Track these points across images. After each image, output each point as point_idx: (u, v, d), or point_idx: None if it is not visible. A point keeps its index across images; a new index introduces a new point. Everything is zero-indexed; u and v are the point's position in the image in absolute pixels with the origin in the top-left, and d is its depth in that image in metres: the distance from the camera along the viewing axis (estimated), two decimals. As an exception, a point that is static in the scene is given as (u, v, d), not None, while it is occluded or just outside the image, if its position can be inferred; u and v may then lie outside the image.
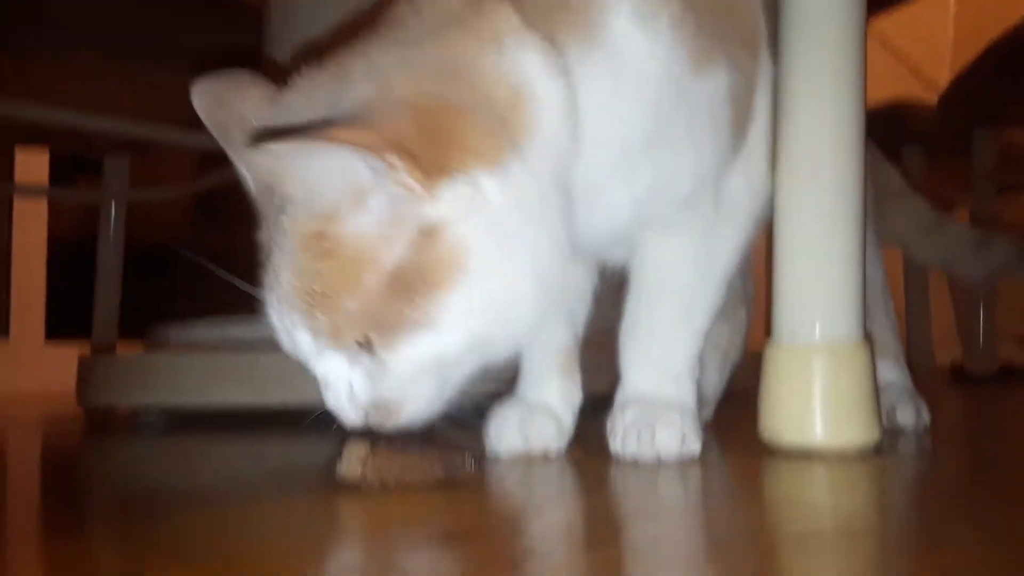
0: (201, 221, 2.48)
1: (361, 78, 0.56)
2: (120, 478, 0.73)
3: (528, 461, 0.68)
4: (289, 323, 0.56)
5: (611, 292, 0.73)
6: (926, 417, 0.87)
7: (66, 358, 1.96)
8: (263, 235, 0.59)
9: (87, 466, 0.83)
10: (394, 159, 0.52)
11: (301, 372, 1.01)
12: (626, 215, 0.65)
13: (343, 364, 0.56)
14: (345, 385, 0.57)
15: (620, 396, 0.69)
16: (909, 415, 0.87)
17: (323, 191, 0.54)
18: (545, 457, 0.69)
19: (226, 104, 0.60)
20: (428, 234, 0.54)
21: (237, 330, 1.10)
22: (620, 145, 0.62)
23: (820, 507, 0.52)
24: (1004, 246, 1.14)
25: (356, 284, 0.54)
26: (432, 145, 0.53)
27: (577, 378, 0.73)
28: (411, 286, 0.54)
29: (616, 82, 0.61)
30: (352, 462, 0.57)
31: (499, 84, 0.56)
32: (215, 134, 0.60)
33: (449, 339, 0.55)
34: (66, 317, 2.21)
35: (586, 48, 0.60)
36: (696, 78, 0.63)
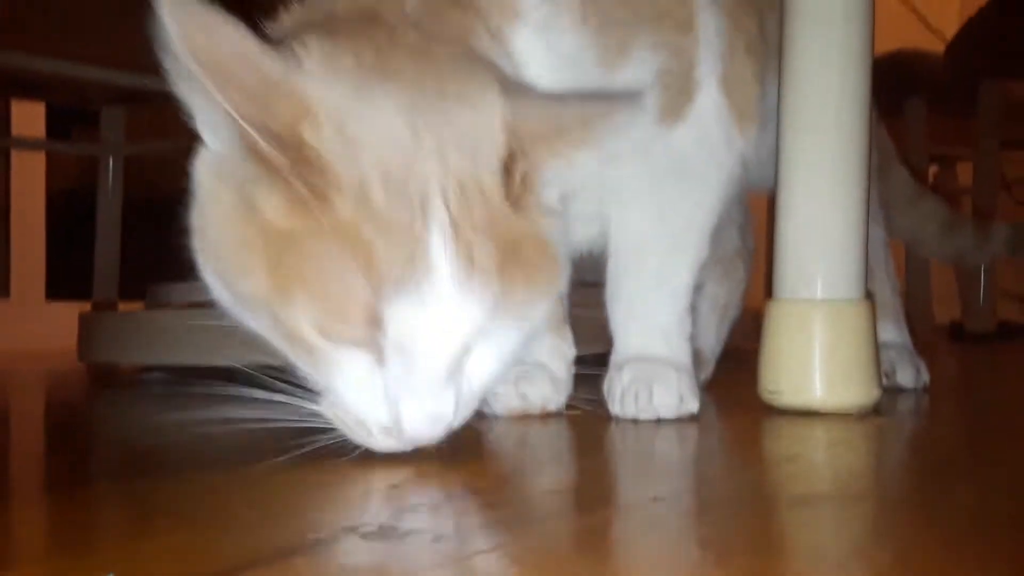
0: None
1: None
2: (123, 435, 0.73)
3: (526, 420, 0.68)
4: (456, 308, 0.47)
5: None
6: (925, 376, 0.87)
7: (67, 316, 1.97)
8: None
9: (90, 423, 0.83)
10: None
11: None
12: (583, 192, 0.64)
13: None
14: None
15: (615, 357, 0.70)
16: (908, 375, 0.87)
17: None
18: (544, 414, 0.69)
19: (214, 34, 0.45)
20: None
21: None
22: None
23: (820, 467, 0.53)
24: (1003, 231, 1.17)
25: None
26: None
27: (568, 335, 0.73)
28: None
29: (549, 45, 0.60)
30: None
31: None
32: (202, 67, 0.45)
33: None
34: (66, 276, 2.21)
35: (502, 57, 0.57)
36: (610, 74, 0.62)
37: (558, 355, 0.72)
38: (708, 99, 0.68)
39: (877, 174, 0.84)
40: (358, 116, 0.47)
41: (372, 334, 0.47)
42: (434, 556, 0.34)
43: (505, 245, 0.48)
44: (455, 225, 0.47)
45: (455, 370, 0.49)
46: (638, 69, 0.64)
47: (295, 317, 0.47)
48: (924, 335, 0.92)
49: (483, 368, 0.50)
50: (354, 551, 0.34)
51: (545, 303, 0.51)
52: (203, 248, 0.50)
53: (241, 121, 0.45)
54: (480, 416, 0.62)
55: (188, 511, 0.42)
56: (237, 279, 0.48)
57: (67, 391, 1.12)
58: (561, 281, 0.53)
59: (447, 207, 0.47)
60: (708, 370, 0.88)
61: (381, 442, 0.50)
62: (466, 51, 0.55)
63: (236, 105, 0.45)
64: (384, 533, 0.36)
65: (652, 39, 0.64)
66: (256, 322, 0.50)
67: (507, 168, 0.49)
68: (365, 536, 0.36)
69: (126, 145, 1.83)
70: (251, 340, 1.02)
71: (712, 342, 0.89)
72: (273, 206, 0.46)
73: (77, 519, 0.41)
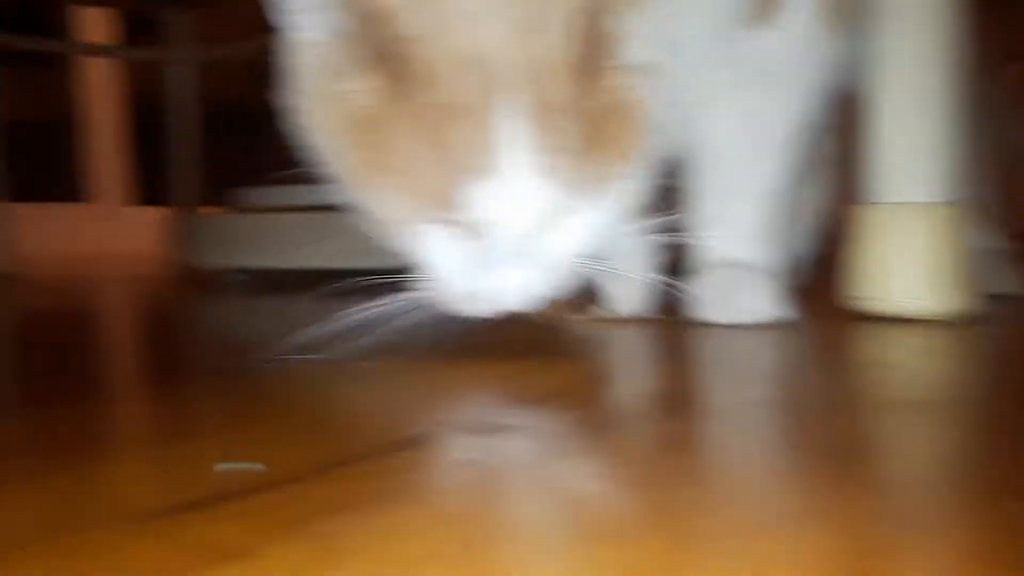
0: (268, 79, 2.46)
1: None
2: (216, 334, 0.76)
3: (616, 325, 0.69)
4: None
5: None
6: (1018, 284, 0.85)
7: (148, 220, 2.01)
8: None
9: (180, 323, 0.86)
10: None
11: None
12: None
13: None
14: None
15: (702, 262, 0.70)
16: (1005, 281, 0.85)
17: None
18: (630, 319, 0.70)
19: None
20: None
21: (311, 193, 1.11)
22: None
23: (912, 373, 0.52)
24: None
25: None
26: None
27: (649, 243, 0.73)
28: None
29: None
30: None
31: None
32: None
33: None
34: (145, 181, 2.25)
35: None
36: None
37: (645, 263, 0.72)
38: (800, 3, 0.66)
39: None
40: None
41: (453, 213, 0.48)
42: (532, 452, 0.35)
43: (580, 118, 0.47)
44: (523, 106, 0.46)
45: (535, 244, 0.49)
46: None
47: (383, 197, 0.48)
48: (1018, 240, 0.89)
49: (566, 243, 0.51)
50: (455, 446, 0.35)
51: (628, 174, 0.50)
52: (304, 129, 0.52)
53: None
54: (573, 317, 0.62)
55: (289, 405, 0.44)
56: (333, 161, 0.50)
57: (155, 293, 1.16)
58: (644, 148, 0.51)
59: (514, 87, 0.46)
60: (799, 275, 0.88)
61: (472, 309, 0.51)
62: None
63: None
64: (484, 429, 0.37)
65: None
66: (355, 200, 0.51)
67: (582, 32, 0.47)
68: (465, 431, 0.37)
69: (197, 50, 1.84)
70: (334, 242, 1.04)
71: (804, 247, 0.89)
72: (359, 91, 0.47)
73: (180, 412, 0.43)
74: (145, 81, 2.33)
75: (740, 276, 0.67)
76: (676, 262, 0.72)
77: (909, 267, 0.68)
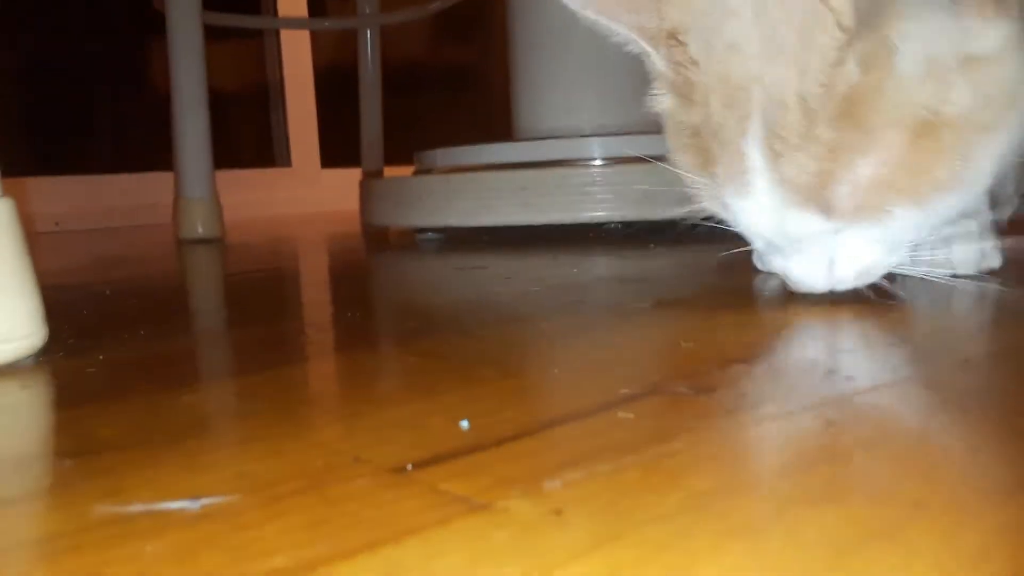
0: (446, 39, 2.54)
1: None
2: (410, 293, 0.80)
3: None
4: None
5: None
6: None
7: (339, 182, 2.11)
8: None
9: (376, 281, 0.91)
10: None
11: (561, 190, 1.06)
12: None
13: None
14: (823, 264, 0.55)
15: None
16: None
17: None
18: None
19: None
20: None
21: (494, 152, 1.15)
22: None
23: None
24: None
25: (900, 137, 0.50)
26: None
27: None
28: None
29: None
30: None
31: None
32: None
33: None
34: (337, 145, 2.36)
35: None
36: None
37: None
38: None
39: None
40: (716, 21, 0.51)
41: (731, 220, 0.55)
42: (754, 419, 0.35)
43: (820, 150, 0.48)
44: (770, 140, 0.49)
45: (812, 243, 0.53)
46: None
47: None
48: None
49: (853, 257, 0.54)
50: (670, 406, 0.36)
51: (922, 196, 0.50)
52: None
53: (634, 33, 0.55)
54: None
55: (504, 363, 0.46)
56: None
57: (350, 252, 1.23)
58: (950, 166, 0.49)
59: (764, 121, 0.49)
60: (1008, 209, 0.82)
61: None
62: None
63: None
64: (698, 390, 0.38)
65: None
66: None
67: (843, 52, 0.47)
68: (673, 395, 0.38)
69: (380, 16, 1.90)
70: (510, 201, 1.06)
71: (1012, 191, 0.83)
72: (660, 100, 0.56)
73: (408, 370, 0.46)
74: (337, 49, 2.44)
75: (955, 227, 0.64)
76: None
77: None
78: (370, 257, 1.15)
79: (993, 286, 0.62)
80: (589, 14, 0.55)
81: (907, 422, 0.34)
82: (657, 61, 0.55)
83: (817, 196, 0.50)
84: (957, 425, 0.33)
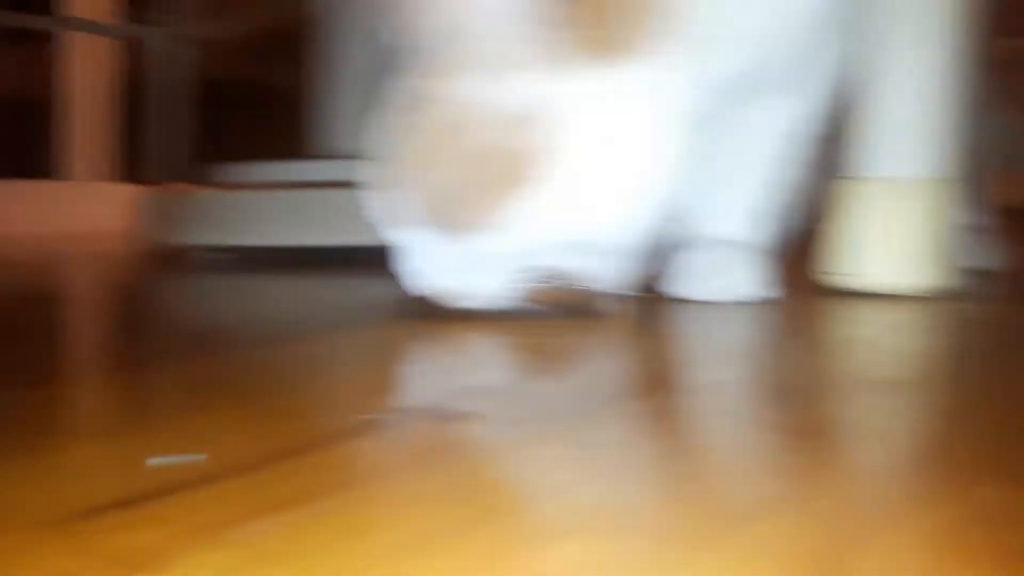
0: (268, 56, 2.45)
1: None
2: (182, 315, 0.74)
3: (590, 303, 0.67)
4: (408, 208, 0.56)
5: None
6: (1001, 259, 0.84)
7: (127, 198, 1.99)
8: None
9: (153, 302, 0.84)
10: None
11: (357, 212, 1.02)
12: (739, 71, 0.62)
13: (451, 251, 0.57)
14: (450, 273, 0.58)
15: (689, 237, 0.68)
16: (983, 257, 0.84)
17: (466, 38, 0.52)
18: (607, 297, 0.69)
19: None
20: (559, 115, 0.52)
21: (293, 169, 1.10)
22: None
23: (889, 351, 0.51)
24: None
25: (482, 165, 0.54)
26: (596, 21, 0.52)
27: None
28: (536, 174, 0.54)
29: None
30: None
31: None
32: None
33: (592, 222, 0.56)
34: (126, 159, 2.23)
35: None
36: None
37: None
38: None
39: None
40: None
41: None
42: (490, 440, 0.33)
43: None
44: None
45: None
46: None
47: None
48: (995, 216, 0.89)
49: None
50: (408, 433, 0.34)
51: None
52: None
53: None
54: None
55: (246, 391, 0.42)
56: None
57: (129, 271, 1.14)
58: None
59: None
60: (772, 249, 0.86)
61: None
62: None
63: None
64: (441, 415, 0.36)
65: None
66: None
67: None
68: (421, 417, 0.36)
69: (185, 26, 1.82)
70: (306, 220, 1.02)
71: (780, 222, 0.87)
72: None
73: (132, 397, 0.42)
74: (134, 59, 2.30)
75: (728, 254, 0.67)
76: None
77: (886, 242, 0.67)
78: (147, 276, 1.07)
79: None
80: None
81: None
82: None
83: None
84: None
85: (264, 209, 1.04)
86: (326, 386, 0.44)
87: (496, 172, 0.53)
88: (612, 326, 0.60)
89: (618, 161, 0.53)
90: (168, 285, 0.96)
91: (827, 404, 0.39)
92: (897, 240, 0.67)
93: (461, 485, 0.28)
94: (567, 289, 0.60)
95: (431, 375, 0.47)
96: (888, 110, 0.68)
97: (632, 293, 0.68)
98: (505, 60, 0.52)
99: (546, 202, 0.53)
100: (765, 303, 0.65)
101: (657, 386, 0.43)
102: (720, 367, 0.47)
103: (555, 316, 0.60)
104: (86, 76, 2.23)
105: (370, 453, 0.31)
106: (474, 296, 0.58)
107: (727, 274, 0.66)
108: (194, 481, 0.28)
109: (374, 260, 1.05)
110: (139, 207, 1.25)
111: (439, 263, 0.58)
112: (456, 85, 0.53)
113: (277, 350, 0.52)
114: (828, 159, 0.73)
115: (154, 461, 0.29)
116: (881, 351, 0.51)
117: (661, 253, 0.67)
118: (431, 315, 0.61)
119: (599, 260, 0.68)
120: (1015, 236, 1.27)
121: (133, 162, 1.86)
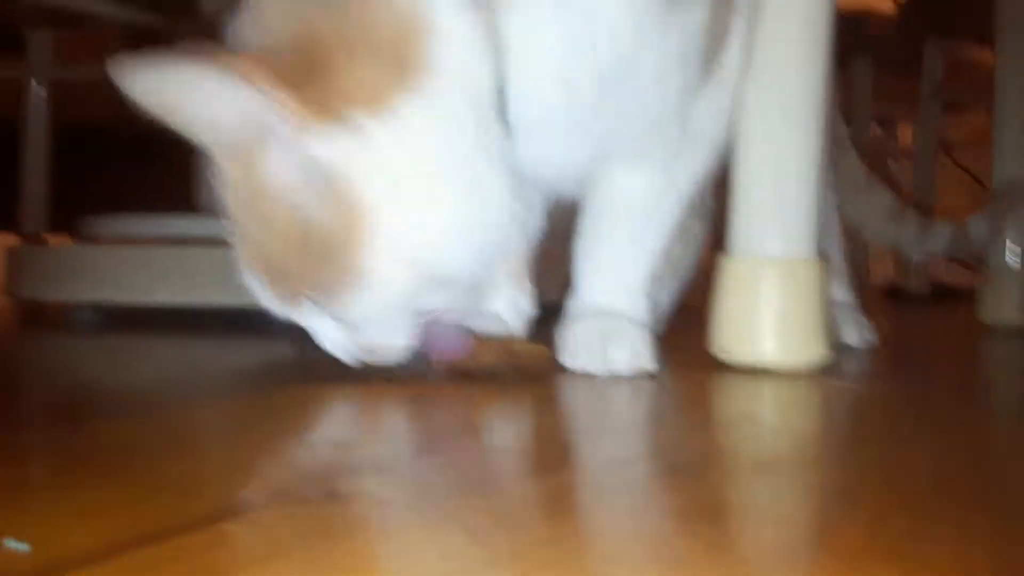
0: (130, 103, 2.37)
1: (271, 15, 0.54)
2: (49, 378, 0.70)
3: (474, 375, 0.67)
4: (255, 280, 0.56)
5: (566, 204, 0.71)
6: (871, 336, 0.88)
7: (-8, 248, 1.87)
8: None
9: (14, 364, 0.79)
10: (273, 91, 0.49)
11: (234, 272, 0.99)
12: (583, 151, 0.63)
13: (318, 315, 0.56)
14: (330, 335, 0.57)
15: (573, 308, 0.68)
16: (855, 334, 0.87)
17: (221, 129, 0.52)
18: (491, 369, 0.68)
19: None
20: (330, 186, 0.52)
21: (172, 224, 1.06)
22: (566, 82, 0.58)
23: (776, 429, 0.52)
24: (945, 232, 1.18)
25: (286, 240, 0.53)
26: (313, 83, 0.51)
27: (528, 288, 0.71)
28: (331, 248, 0.52)
29: (561, 13, 0.57)
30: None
31: (389, 17, 0.52)
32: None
33: (389, 291, 0.53)
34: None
35: None
36: (671, 12, 0.60)
37: (514, 309, 0.70)
38: (732, 56, 0.67)
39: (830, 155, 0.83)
40: None
41: None
42: (379, 523, 0.32)
43: None
44: None
45: None
46: (696, 11, 0.62)
47: None
48: (861, 295, 0.94)
49: None
50: (289, 516, 0.32)
51: None
52: None
53: None
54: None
55: (115, 465, 0.40)
56: None
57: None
58: None
59: None
60: (660, 324, 0.87)
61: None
62: None
63: None
64: (325, 496, 0.34)
65: None
66: None
67: None
68: (302, 500, 0.34)
69: (53, 69, 1.75)
70: (184, 278, 0.99)
71: (666, 296, 0.89)
72: None
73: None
74: (4, 101, 2.20)
75: (609, 325, 0.66)
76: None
77: (768, 320, 0.69)
78: (12, 334, 1.01)
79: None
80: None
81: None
82: None
83: None
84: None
85: (139, 265, 1.00)
86: (199, 460, 0.41)
87: (308, 243, 0.52)
88: (502, 392, 0.60)
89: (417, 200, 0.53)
90: (35, 344, 0.91)
91: (717, 484, 0.39)
92: (776, 316, 0.69)
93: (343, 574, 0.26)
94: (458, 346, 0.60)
95: (316, 447, 0.45)
96: (760, 186, 0.71)
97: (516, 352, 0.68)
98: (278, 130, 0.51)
99: (376, 263, 0.53)
100: (653, 377, 0.65)
101: (549, 464, 0.42)
102: (610, 445, 0.47)
103: (440, 375, 0.59)
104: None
105: (242, 537, 0.30)
106: (369, 353, 0.57)
107: (609, 346, 0.65)
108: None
109: (255, 320, 1.02)
110: (7, 259, 1.18)
111: (321, 324, 0.57)
112: (249, 160, 0.53)
113: (149, 419, 0.50)
114: (715, 232, 0.75)
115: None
116: (766, 428, 0.52)
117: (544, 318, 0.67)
118: (320, 377, 0.60)
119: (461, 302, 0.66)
120: (885, 312, 1.34)
121: (2, 211, 1.76)
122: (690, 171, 0.68)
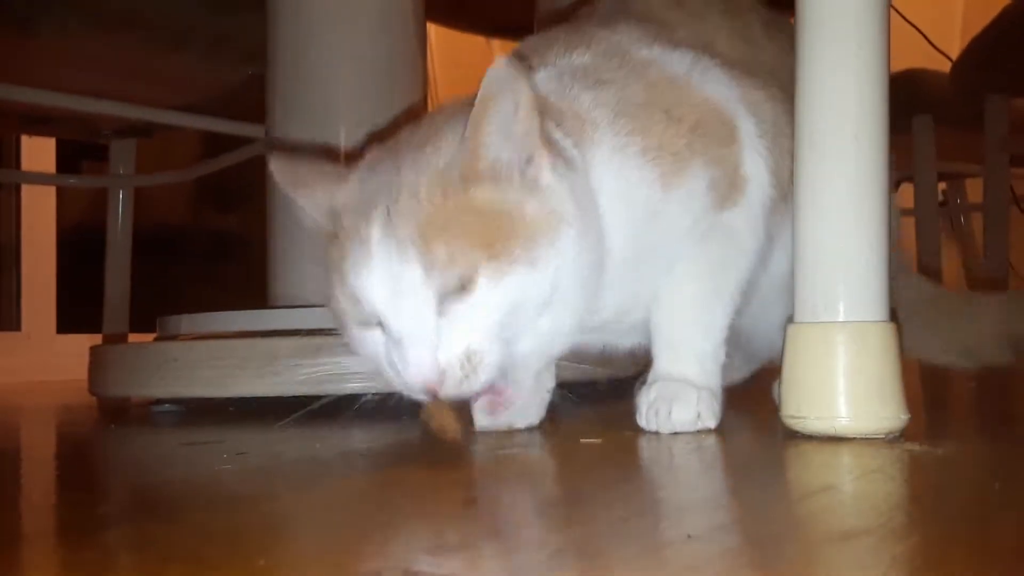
0: (205, 205, 2.47)
1: None
2: (135, 473, 0.72)
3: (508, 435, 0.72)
4: (397, 259, 0.62)
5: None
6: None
7: (78, 349, 1.96)
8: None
9: (101, 460, 0.82)
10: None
11: (315, 361, 1.01)
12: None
13: (432, 314, 0.62)
14: (432, 336, 0.62)
15: (649, 377, 0.76)
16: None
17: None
18: (510, 431, 0.77)
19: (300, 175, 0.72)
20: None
21: (245, 319, 1.09)
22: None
23: (856, 498, 0.51)
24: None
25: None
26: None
27: (551, 368, 0.80)
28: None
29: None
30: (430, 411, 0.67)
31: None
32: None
33: (542, 280, 0.64)
34: (77, 309, 2.20)
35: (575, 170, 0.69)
36: (667, 195, 0.72)
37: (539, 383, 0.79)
38: (756, 188, 0.76)
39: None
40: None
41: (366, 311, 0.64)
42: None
43: (437, 223, 0.62)
44: (388, 220, 0.63)
45: (428, 333, 0.62)
46: (692, 186, 0.73)
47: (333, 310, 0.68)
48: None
49: (459, 333, 0.62)
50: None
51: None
52: None
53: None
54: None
55: (204, 556, 0.41)
56: None
57: (78, 426, 1.11)
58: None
59: (387, 211, 0.63)
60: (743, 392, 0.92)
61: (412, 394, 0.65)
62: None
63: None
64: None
65: (706, 154, 0.73)
66: None
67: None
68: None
69: (135, 177, 1.84)
70: (262, 372, 1.02)
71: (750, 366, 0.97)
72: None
73: (79, 562, 0.40)
74: (83, 209, 2.31)
75: (675, 389, 0.73)
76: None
77: (841, 386, 0.68)
78: (99, 430, 1.04)
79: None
80: (288, 190, 0.71)
81: None
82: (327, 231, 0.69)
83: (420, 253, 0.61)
84: None
85: (215, 358, 1.03)
86: (288, 551, 0.42)
87: None
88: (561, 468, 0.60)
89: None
90: (120, 439, 0.94)
91: (798, 558, 0.39)
92: (851, 382, 0.68)
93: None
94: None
95: (403, 531, 0.46)
96: (826, 253, 0.70)
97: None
98: None
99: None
100: (726, 446, 0.65)
101: (628, 540, 0.42)
102: (685, 519, 0.47)
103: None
104: (36, 226, 2.23)
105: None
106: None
107: (674, 406, 0.72)
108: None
109: (334, 409, 1.04)
110: (91, 358, 1.23)
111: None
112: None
113: (235, 511, 0.51)
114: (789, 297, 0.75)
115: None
116: (846, 498, 0.51)
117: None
118: (407, 460, 0.60)
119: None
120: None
121: (85, 312, 1.84)
122: (735, 267, 0.77)
